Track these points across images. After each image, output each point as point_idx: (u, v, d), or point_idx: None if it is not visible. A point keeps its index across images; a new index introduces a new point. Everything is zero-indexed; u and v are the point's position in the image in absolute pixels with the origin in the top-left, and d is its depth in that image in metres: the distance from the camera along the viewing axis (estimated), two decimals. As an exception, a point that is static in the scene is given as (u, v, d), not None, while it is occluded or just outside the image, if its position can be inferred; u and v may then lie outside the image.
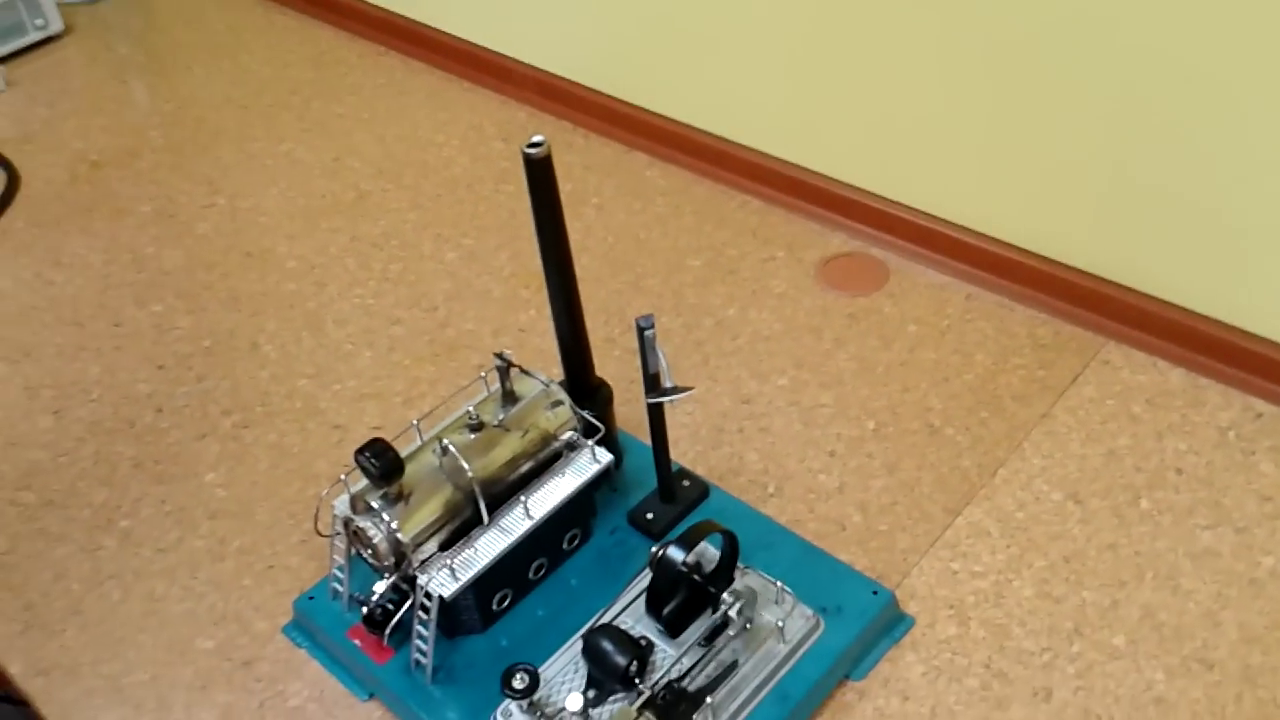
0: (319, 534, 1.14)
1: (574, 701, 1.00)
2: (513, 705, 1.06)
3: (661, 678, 1.02)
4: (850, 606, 1.12)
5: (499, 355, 1.11)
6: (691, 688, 1.03)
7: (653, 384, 1.07)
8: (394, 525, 1.06)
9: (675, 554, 1.05)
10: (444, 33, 2.07)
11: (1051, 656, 1.11)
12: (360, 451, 1.03)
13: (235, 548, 1.31)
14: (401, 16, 2.13)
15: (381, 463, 1.03)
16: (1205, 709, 1.05)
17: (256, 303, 1.63)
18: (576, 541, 1.19)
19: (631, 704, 1.00)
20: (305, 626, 1.20)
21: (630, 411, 1.33)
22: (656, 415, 1.12)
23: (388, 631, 1.10)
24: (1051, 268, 1.46)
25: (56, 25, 2.27)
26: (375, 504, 1.06)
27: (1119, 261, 1.40)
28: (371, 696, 1.14)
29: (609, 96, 1.84)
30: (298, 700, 1.15)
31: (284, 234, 1.75)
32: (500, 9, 1.94)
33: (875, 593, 1.13)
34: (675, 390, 1.04)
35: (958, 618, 1.15)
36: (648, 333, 1.05)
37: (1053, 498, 1.25)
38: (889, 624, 1.14)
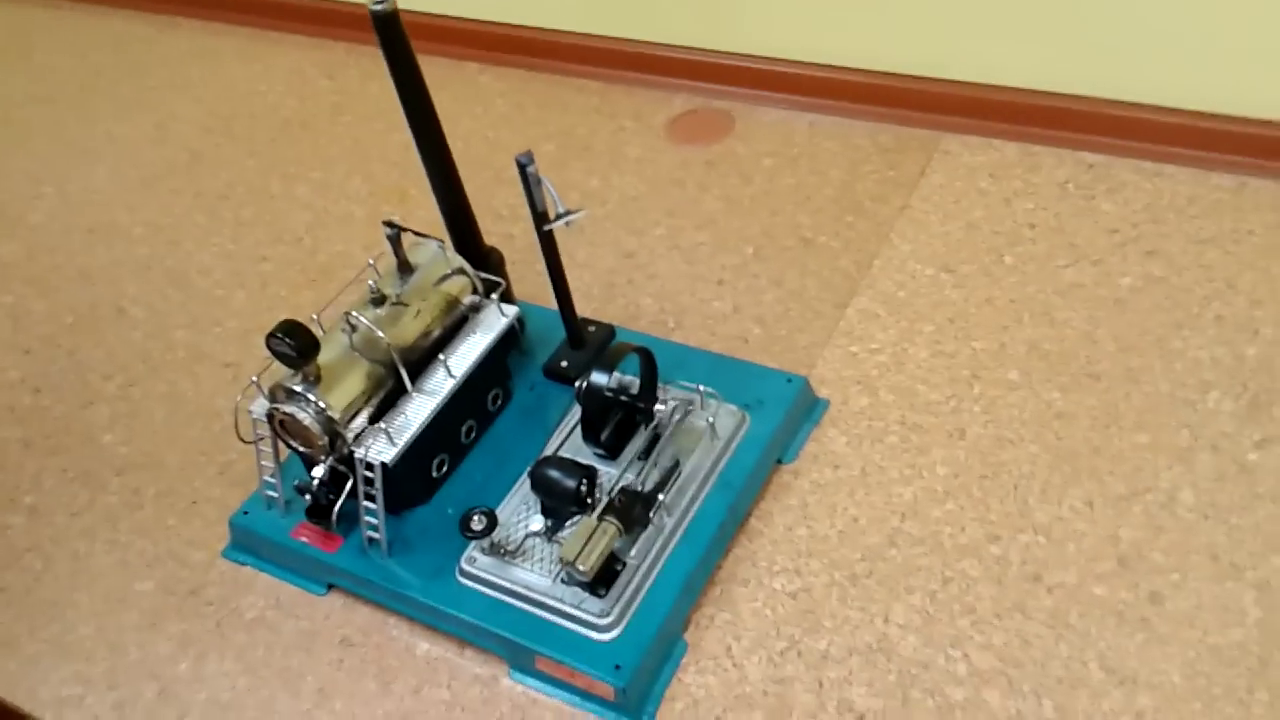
0: (242, 440, 1.13)
1: (536, 522, 1.03)
2: (474, 550, 1.08)
3: (614, 486, 1.06)
4: (770, 398, 1.17)
5: (388, 223, 1.11)
6: (643, 491, 1.06)
7: (543, 218, 1.10)
8: (321, 404, 1.06)
9: (599, 379, 1.09)
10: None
11: (957, 402, 1.19)
12: (272, 334, 1.03)
13: (151, 495, 1.28)
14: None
15: (296, 340, 1.03)
16: (1101, 412, 1.14)
17: (110, 273, 1.59)
18: (500, 402, 1.21)
19: (590, 515, 1.04)
20: (245, 543, 1.19)
21: (521, 284, 1.35)
22: (551, 251, 1.15)
23: (334, 517, 1.10)
24: (880, 79, 1.54)
25: None
26: (297, 388, 1.06)
27: (942, 58, 1.49)
28: (330, 589, 1.15)
29: (424, 13, 1.84)
30: (254, 612, 1.15)
31: (123, 206, 1.70)
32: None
33: (789, 381, 1.19)
34: (568, 213, 1.07)
35: (866, 390, 1.22)
36: (530, 168, 1.08)
37: (926, 273, 1.33)
38: (807, 408, 1.20)
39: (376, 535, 1.10)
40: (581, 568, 0.98)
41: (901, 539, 1.08)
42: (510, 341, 1.23)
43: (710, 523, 1.08)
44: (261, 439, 1.14)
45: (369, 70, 1.88)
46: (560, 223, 1.07)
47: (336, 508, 1.10)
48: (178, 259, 1.59)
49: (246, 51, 2.00)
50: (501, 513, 1.10)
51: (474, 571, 1.06)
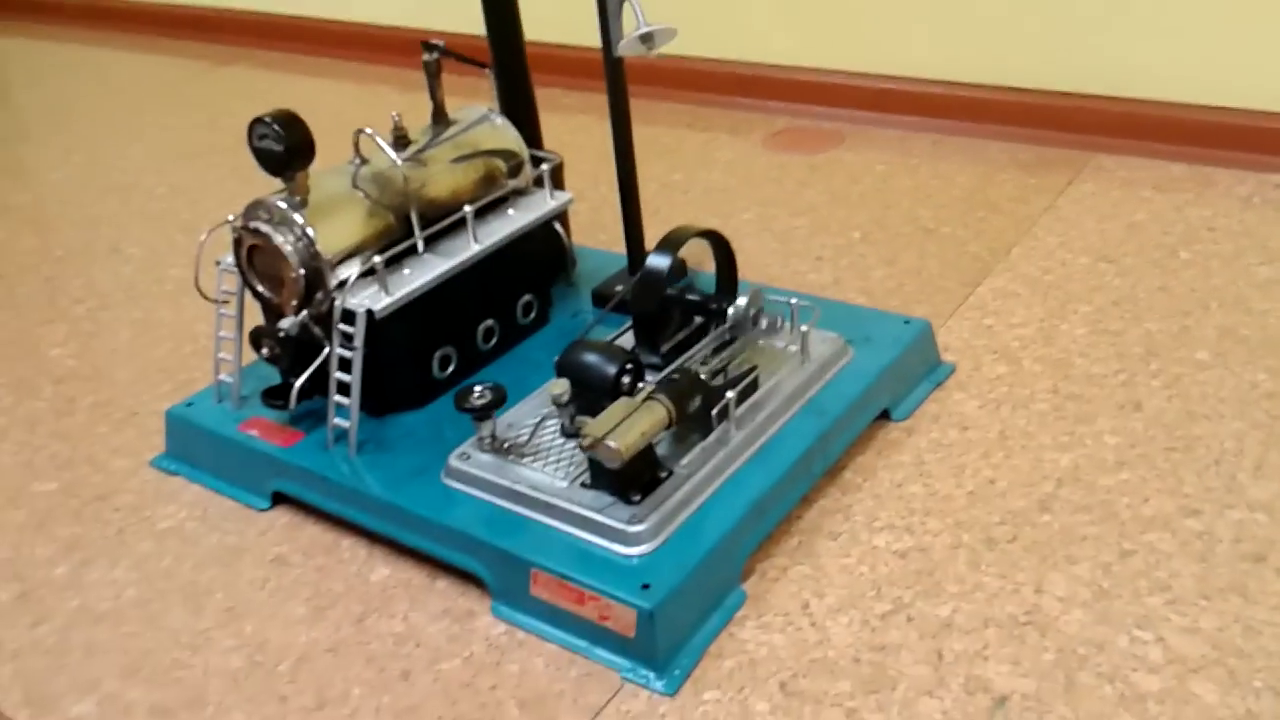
0: (202, 295, 0.88)
1: (558, 386, 0.75)
2: (469, 445, 0.79)
3: (669, 373, 0.78)
4: (881, 337, 0.90)
5: (429, 45, 0.90)
6: (709, 382, 0.78)
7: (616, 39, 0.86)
8: (306, 230, 0.81)
9: (658, 262, 0.83)
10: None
11: (1128, 376, 0.90)
12: (259, 120, 0.80)
13: (88, 404, 1.02)
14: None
15: (288, 133, 0.80)
16: (1327, 398, 0.85)
17: (117, 220, 1.39)
18: (533, 314, 0.96)
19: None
20: (182, 443, 0.92)
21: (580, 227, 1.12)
22: (619, 92, 0.90)
23: (294, 395, 0.84)
24: (1017, 95, 1.34)
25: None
26: (280, 203, 0.82)
27: (1091, 71, 1.29)
28: (274, 505, 0.86)
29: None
30: (170, 522, 0.86)
31: (152, 172, 1.52)
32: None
33: (907, 323, 0.92)
34: (649, 31, 0.84)
35: (1005, 359, 0.94)
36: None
37: (1080, 262, 1.07)
38: (928, 362, 0.92)
39: (345, 424, 0.82)
40: (613, 444, 0.69)
41: (1058, 505, 0.78)
42: (555, 244, 0.98)
43: (793, 447, 0.79)
44: (226, 300, 0.89)
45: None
46: (637, 45, 0.84)
47: (300, 382, 0.83)
48: (195, 214, 1.39)
49: (309, 68, 1.88)
50: (509, 416, 0.82)
51: (465, 469, 0.78)
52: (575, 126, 1.52)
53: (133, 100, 1.84)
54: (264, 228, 0.81)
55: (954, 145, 1.35)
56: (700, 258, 0.92)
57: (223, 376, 0.90)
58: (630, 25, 0.86)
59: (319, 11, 1.94)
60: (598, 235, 1.17)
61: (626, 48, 0.85)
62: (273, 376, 0.89)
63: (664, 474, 0.75)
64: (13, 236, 1.38)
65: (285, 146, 0.79)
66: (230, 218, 0.85)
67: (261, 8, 2.03)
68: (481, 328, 0.91)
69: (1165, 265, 1.05)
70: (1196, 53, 1.22)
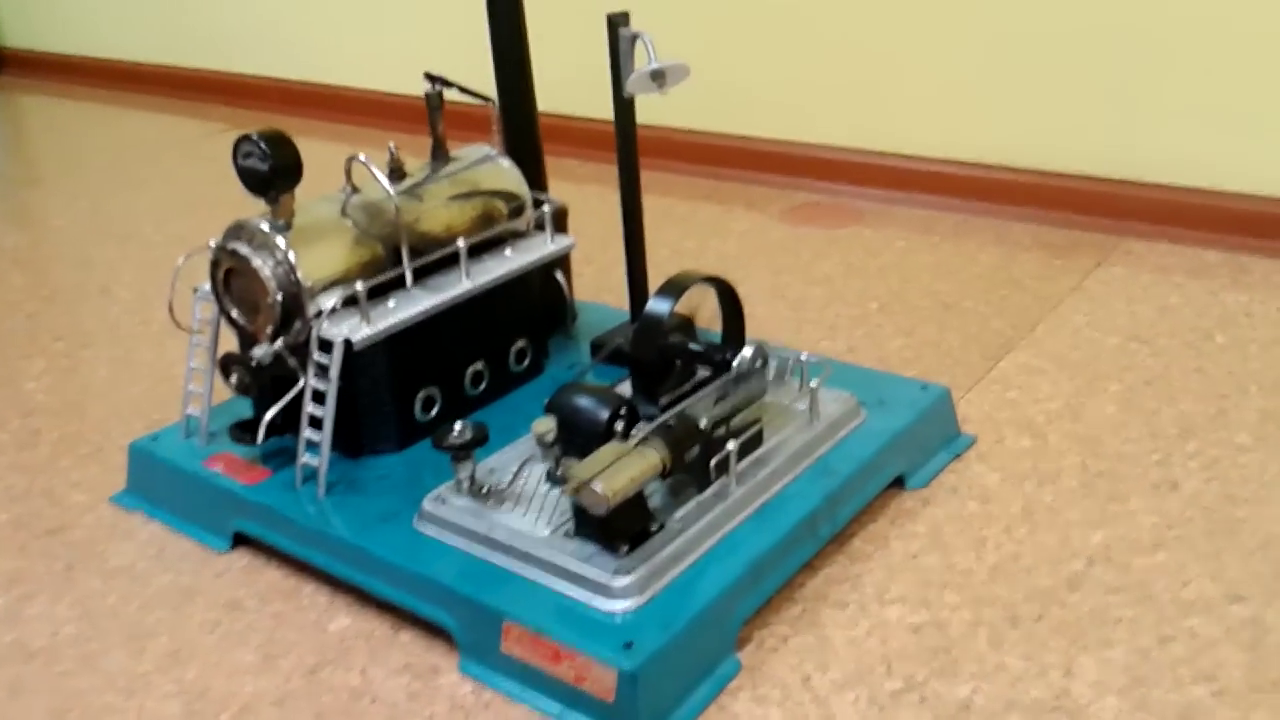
0: (176, 324, 0.83)
1: (543, 425, 0.69)
2: (446, 489, 0.73)
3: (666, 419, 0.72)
4: (896, 400, 0.84)
5: (431, 77, 0.86)
6: (708, 432, 0.72)
7: (624, 82, 0.82)
8: (288, 254, 0.76)
9: (658, 306, 0.78)
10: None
11: (1163, 455, 0.84)
12: (244, 138, 0.76)
13: (54, 438, 0.97)
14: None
15: (274, 151, 0.76)
16: (1382, 487, 0.78)
17: (112, 265, 1.35)
18: (526, 361, 0.90)
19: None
20: (143, 479, 0.86)
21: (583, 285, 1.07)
22: (628, 133, 0.87)
23: (263, 428, 0.78)
24: (1046, 179, 1.30)
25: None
26: (262, 226, 0.77)
27: (1124, 155, 1.25)
28: (235, 546, 0.79)
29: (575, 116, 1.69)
30: (123, 560, 0.79)
31: (153, 221, 1.49)
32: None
33: (924, 389, 0.86)
34: (660, 70, 0.80)
35: (1030, 433, 0.88)
36: (623, 30, 0.83)
37: (1109, 342, 1.02)
38: (946, 431, 0.86)
39: (315, 462, 0.76)
40: (598, 488, 0.63)
41: (1089, 584, 0.70)
42: (555, 292, 0.94)
43: (798, 507, 0.72)
44: (201, 330, 0.84)
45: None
46: (647, 83, 0.80)
47: (270, 415, 0.77)
48: (196, 262, 1.35)
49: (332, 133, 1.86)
50: (490, 461, 0.76)
51: (440, 514, 0.71)
52: (588, 194, 1.48)
53: (145, 155, 1.82)
54: (243, 249, 0.77)
55: (977, 225, 1.31)
56: (710, 320, 0.87)
57: (190, 410, 0.85)
58: (642, 63, 0.82)
59: (340, 79, 1.94)
60: (603, 296, 1.13)
61: (636, 84, 0.81)
62: (248, 413, 0.83)
63: (655, 526, 0.68)
64: (2, 275, 1.34)
65: (270, 165, 0.75)
66: (212, 242, 0.81)
67: (284, 74, 2.02)
68: (470, 371, 0.86)
69: (1200, 348, 0.99)
70: (1229, 139, 1.18)
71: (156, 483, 0.84)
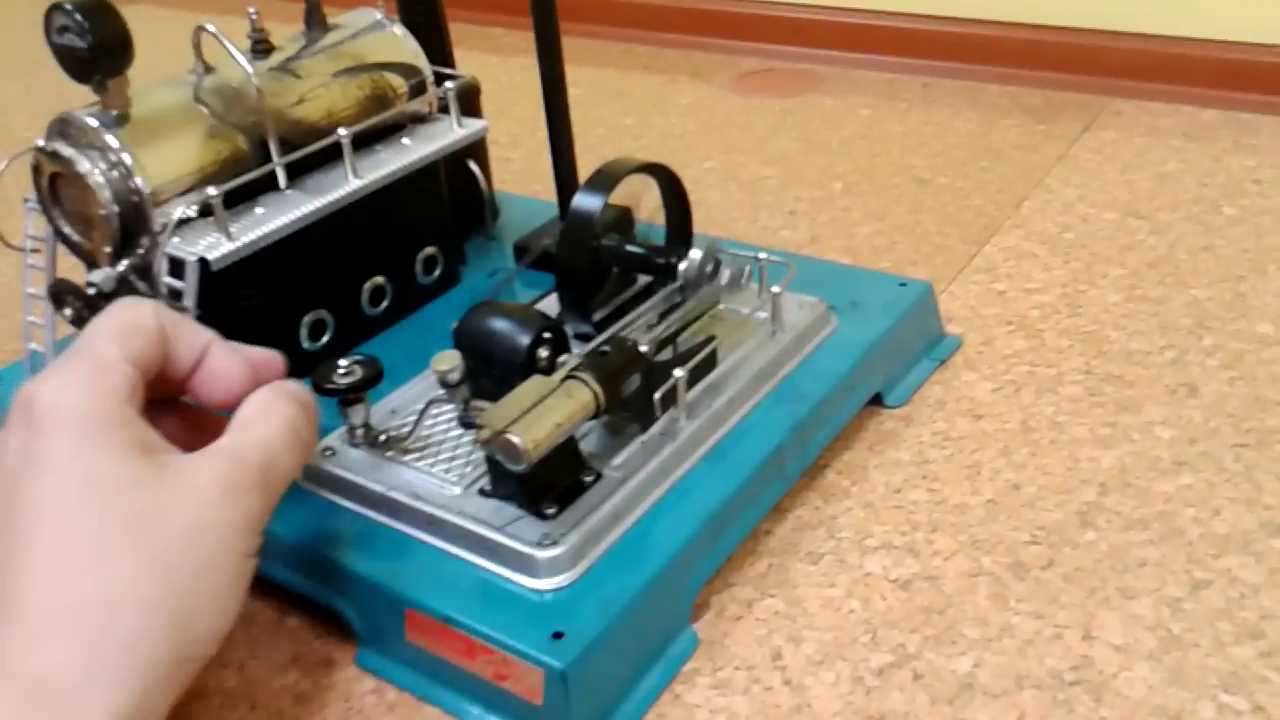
0: (6, 244, 0.69)
1: (445, 360, 0.56)
2: (335, 438, 0.61)
3: (602, 343, 0.60)
4: (871, 301, 0.72)
5: (298, -74, 0.71)
6: (649, 356, 0.60)
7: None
8: (123, 156, 0.62)
9: (587, 202, 0.65)
10: None
11: (1177, 353, 0.73)
12: (55, 7, 0.60)
13: (-113, 381, 0.83)
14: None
15: (96, 25, 0.60)
16: None
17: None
18: (437, 271, 0.76)
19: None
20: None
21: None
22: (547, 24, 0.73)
23: (115, 370, 0.64)
24: (1023, 33, 1.16)
25: None
26: (91, 121, 0.62)
27: (1109, 6, 1.11)
28: (91, 511, 0.67)
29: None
30: (-42, 534, 0.67)
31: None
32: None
33: (903, 285, 0.74)
34: None
35: (1023, 331, 0.76)
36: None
37: (1105, 217, 0.90)
38: (928, 334, 0.74)
39: (180, 408, 0.63)
40: (515, 439, 0.51)
41: (1104, 518, 0.60)
42: (470, 186, 0.80)
43: (761, 442, 0.60)
44: (36, 249, 0.70)
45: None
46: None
47: (122, 352, 0.64)
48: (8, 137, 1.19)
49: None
50: (392, 400, 0.63)
51: (328, 470, 0.59)
52: (514, 67, 1.32)
53: None
54: (65, 151, 0.62)
55: (949, 88, 1.17)
56: (653, 213, 0.74)
57: (33, 345, 0.71)
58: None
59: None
60: (532, 186, 0.99)
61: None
62: (102, 347, 0.69)
63: (589, 477, 0.56)
64: None
65: (89, 43, 0.60)
66: (39, 141, 0.66)
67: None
68: (368, 287, 0.72)
69: (1208, 222, 0.88)
70: (1232, -20, 1.05)
71: (-3, 436, 0.71)
